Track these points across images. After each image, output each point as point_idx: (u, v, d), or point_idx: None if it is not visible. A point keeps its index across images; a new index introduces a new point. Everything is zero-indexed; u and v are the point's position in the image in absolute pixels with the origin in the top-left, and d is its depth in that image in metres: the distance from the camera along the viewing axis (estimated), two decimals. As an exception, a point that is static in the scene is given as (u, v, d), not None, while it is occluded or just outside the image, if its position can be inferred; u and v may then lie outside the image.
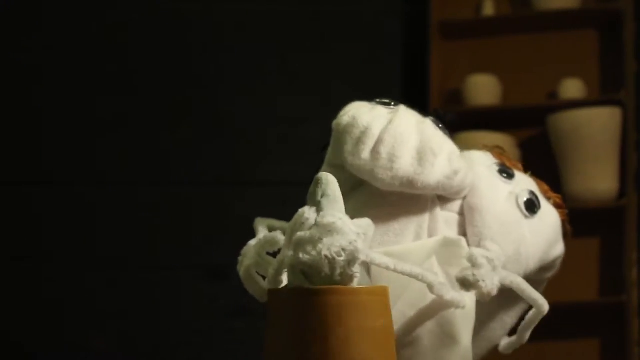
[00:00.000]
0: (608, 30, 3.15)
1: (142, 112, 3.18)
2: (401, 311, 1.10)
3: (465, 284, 1.00)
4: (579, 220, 3.07)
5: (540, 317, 1.15)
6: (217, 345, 3.08)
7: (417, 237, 1.15)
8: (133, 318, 3.10)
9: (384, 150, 1.13)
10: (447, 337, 1.10)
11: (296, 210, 1.04)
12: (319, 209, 0.94)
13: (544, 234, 1.22)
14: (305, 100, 3.14)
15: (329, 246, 0.90)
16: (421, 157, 1.14)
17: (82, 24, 3.21)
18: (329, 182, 0.96)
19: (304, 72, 3.18)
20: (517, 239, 1.19)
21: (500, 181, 1.23)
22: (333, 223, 0.92)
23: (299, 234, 0.92)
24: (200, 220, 3.13)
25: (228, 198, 3.13)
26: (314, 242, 0.91)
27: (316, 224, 0.93)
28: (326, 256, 0.90)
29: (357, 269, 0.93)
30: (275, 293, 0.94)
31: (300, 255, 0.90)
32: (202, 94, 3.19)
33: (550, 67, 3.20)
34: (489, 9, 3.19)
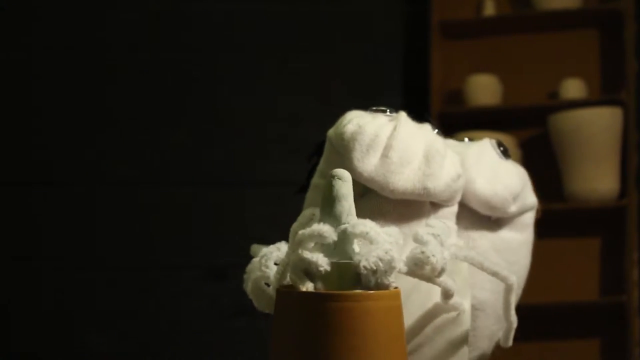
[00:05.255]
0: (609, 30, 3.15)
1: (142, 111, 3.18)
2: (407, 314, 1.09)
3: (417, 263, 0.95)
4: (579, 220, 3.09)
5: (511, 291, 1.09)
6: (218, 345, 3.07)
7: None
8: (133, 318, 3.10)
9: (394, 155, 1.12)
10: (447, 342, 1.10)
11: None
12: (331, 209, 0.92)
13: (516, 173, 1.25)
14: (305, 100, 3.13)
15: (366, 256, 0.88)
16: (429, 160, 1.14)
17: (82, 24, 3.21)
18: (344, 179, 0.94)
19: (304, 72, 3.18)
20: (492, 162, 1.23)
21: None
22: (367, 233, 0.90)
23: (301, 231, 0.90)
24: (200, 220, 3.13)
25: (228, 198, 3.13)
26: (314, 238, 0.89)
27: (345, 232, 0.91)
28: (365, 267, 0.88)
29: (393, 279, 0.91)
30: (283, 295, 0.91)
31: (300, 252, 0.89)
32: (201, 94, 3.18)
33: (551, 67, 3.19)
34: (489, 9, 3.19)
